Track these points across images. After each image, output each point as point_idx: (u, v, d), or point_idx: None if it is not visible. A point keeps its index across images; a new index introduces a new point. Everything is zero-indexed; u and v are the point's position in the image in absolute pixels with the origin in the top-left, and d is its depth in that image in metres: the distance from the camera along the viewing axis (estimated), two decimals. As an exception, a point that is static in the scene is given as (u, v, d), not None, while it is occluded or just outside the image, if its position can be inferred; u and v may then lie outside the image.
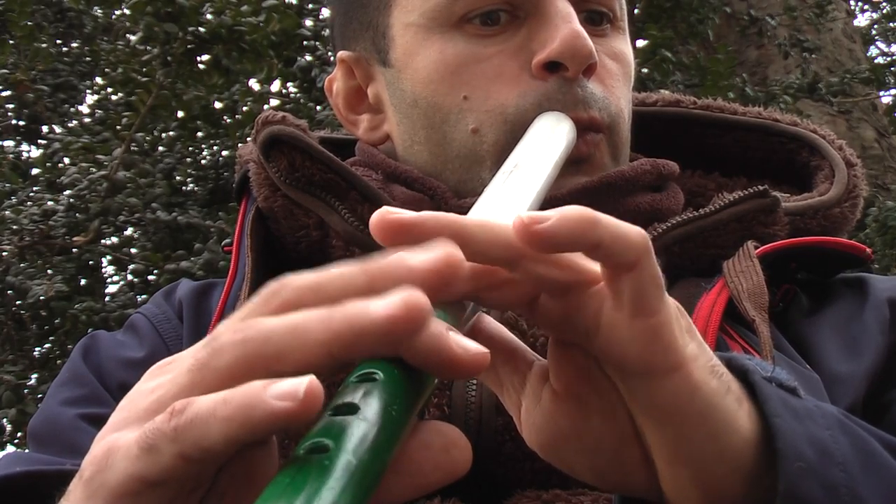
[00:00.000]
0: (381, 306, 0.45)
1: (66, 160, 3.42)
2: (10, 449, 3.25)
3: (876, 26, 7.67)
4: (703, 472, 0.54)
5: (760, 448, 0.54)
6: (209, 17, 3.05)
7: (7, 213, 3.06)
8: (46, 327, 3.38)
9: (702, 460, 0.53)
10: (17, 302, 3.11)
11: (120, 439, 0.47)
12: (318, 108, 3.38)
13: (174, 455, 0.44)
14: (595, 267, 0.54)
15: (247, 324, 0.47)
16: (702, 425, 0.53)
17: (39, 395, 3.10)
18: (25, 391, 3.10)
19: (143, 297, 3.33)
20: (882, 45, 7.82)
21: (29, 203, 3.18)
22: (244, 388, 0.44)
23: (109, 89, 3.95)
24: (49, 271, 3.17)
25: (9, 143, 4.26)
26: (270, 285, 0.49)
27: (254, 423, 0.43)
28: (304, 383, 0.43)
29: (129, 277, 3.53)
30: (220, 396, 0.44)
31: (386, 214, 0.52)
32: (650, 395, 0.53)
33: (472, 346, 0.48)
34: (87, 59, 4.29)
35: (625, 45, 0.98)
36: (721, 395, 0.53)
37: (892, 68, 5.99)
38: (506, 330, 0.60)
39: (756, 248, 0.86)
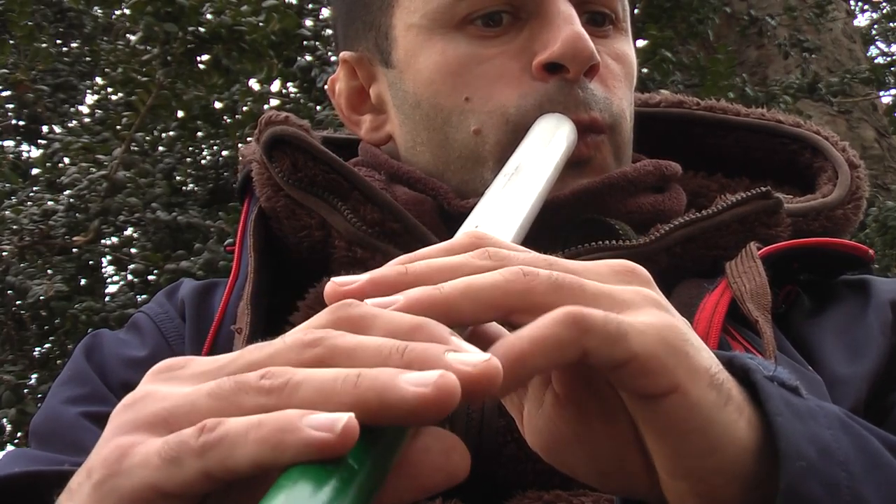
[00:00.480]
0: (412, 383, 0.45)
1: (66, 160, 3.41)
2: (10, 449, 3.24)
3: (876, 26, 7.66)
4: (702, 484, 0.54)
5: (761, 452, 0.54)
6: (209, 17, 3.05)
7: (7, 213, 3.05)
8: (46, 327, 3.37)
9: (700, 473, 0.53)
10: (17, 302, 3.10)
11: (136, 445, 0.47)
12: (318, 108, 3.38)
13: (198, 471, 0.44)
14: None
15: (276, 373, 0.47)
16: (700, 441, 0.52)
17: (39, 395, 3.09)
18: (25, 391, 3.09)
19: (143, 297, 3.32)
20: (882, 45, 7.82)
21: (29, 203, 3.17)
22: (279, 414, 0.44)
23: (109, 89, 3.94)
24: (49, 271, 3.16)
25: (9, 143, 4.25)
26: (308, 332, 0.49)
27: (285, 449, 0.43)
28: (343, 418, 0.43)
29: (129, 277, 3.52)
30: (254, 420, 0.44)
31: (373, 282, 0.52)
32: (647, 414, 0.52)
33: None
34: (87, 59, 4.28)
35: (627, 46, 0.99)
36: (720, 408, 0.53)
37: (892, 68, 5.99)
38: (508, 333, 0.60)
39: (759, 249, 0.86)
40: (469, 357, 0.47)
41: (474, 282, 0.52)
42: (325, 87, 1.09)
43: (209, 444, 0.44)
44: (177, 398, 0.47)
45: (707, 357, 0.54)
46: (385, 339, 0.48)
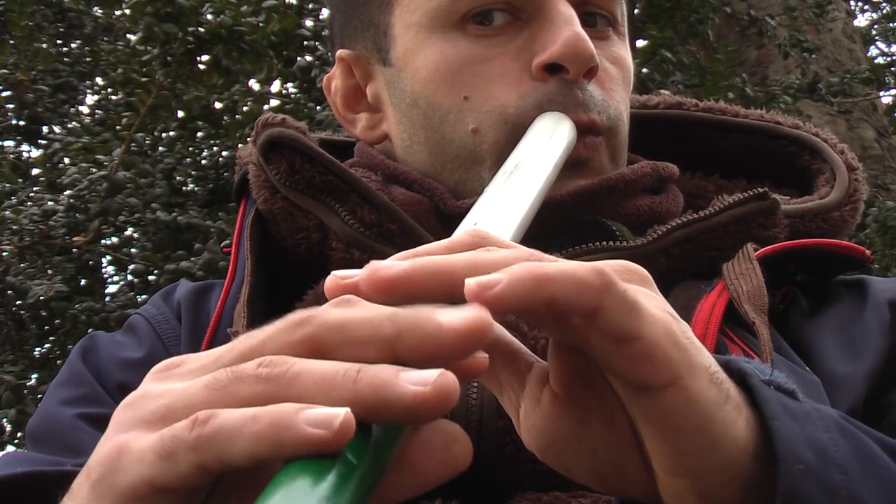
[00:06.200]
0: (411, 382, 0.45)
1: (66, 160, 3.42)
2: (9, 449, 3.24)
3: (876, 26, 7.67)
4: (701, 483, 0.53)
5: (759, 454, 0.54)
6: (209, 17, 3.05)
7: (7, 213, 3.05)
8: (46, 327, 3.37)
9: (699, 471, 0.53)
10: (17, 302, 3.10)
11: (131, 441, 0.47)
12: (318, 108, 3.38)
13: (192, 465, 0.44)
14: None
15: (275, 361, 0.46)
16: (699, 437, 0.52)
17: (39, 395, 3.09)
18: (25, 391, 3.09)
19: (143, 297, 3.32)
20: (882, 45, 7.82)
21: (29, 203, 3.18)
22: (275, 408, 0.44)
23: (109, 89, 3.94)
24: (49, 271, 3.16)
25: (9, 143, 4.26)
26: (296, 314, 0.48)
27: (282, 445, 0.43)
28: (340, 414, 0.43)
29: (129, 277, 3.52)
30: (249, 413, 0.44)
31: (375, 272, 0.51)
32: (646, 408, 0.52)
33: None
34: (87, 59, 4.29)
35: (625, 51, 0.99)
36: (719, 405, 0.52)
37: (892, 68, 5.99)
38: (506, 331, 0.60)
39: (756, 250, 0.86)
40: (462, 311, 0.47)
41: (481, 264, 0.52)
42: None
43: (203, 438, 0.44)
44: (175, 393, 0.47)
45: (706, 356, 0.54)
46: (375, 310, 0.48)
